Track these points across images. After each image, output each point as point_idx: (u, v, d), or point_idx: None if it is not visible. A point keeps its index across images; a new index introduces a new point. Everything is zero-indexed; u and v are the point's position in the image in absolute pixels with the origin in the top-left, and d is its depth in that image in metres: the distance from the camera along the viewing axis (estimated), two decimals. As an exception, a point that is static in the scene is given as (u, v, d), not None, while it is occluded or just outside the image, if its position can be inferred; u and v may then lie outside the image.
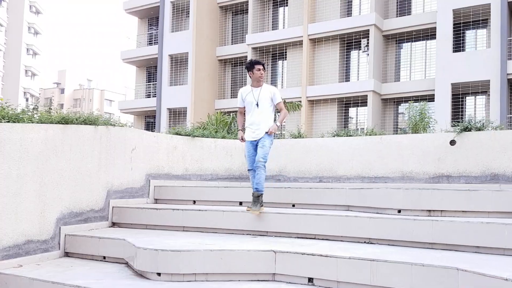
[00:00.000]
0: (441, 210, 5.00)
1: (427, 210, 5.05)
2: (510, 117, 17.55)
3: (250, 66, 5.68)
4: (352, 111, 22.40)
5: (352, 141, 7.28)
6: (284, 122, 6.07)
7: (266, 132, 5.57)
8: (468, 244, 4.32)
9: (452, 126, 7.09)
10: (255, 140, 5.63)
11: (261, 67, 5.66)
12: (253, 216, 5.43)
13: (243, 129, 5.92)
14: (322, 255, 4.08)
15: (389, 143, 6.97)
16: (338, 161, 7.29)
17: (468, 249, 4.32)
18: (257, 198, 5.40)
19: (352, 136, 7.54)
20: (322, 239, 5.05)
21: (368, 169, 7.05)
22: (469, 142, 6.40)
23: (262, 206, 5.43)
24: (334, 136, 7.74)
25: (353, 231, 4.90)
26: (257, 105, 5.61)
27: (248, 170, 5.79)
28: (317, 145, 7.52)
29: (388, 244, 4.69)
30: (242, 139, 5.79)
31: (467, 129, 6.47)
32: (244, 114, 6.01)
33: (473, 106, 19.33)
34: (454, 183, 6.43)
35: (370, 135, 7.52)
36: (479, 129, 6.47)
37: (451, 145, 6.50)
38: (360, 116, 22.03)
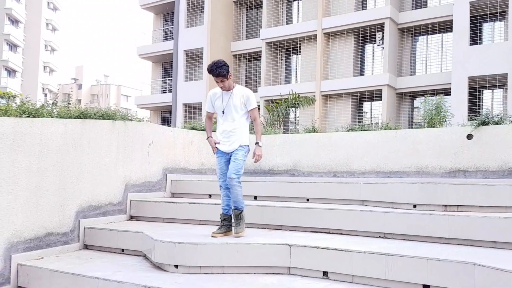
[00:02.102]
0: (458, 205, 4.97)
1: (443, 205, 5.03)
2: (529, 111, 17.23)
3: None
4: (366, 105, 22.25)
5: (366, 135, 7.25)
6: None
7: (241, 145, 4.80)
8: (485, 239, 4.30)
9: (469, 120, 7.00)
10: (228, 153, 4.84)
11: (216, 79, 4.73)
12: (268, 210, 5.46)
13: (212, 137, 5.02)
14: (337, 249, 4.11)
15: (404, 138, 6.93)
16: (352, 155, 7.28)
17: (485, 245, 4.30)
18: (239, 217, 4.75)
19: (367, 130, 7.52)
20: (337, 234, 5.07)
21: (383, 163, 7.03)
22: (486, 136, 6.33)
23: (244, 223, 4.79)
24: (348, 131, 7.72)
25: (368, 226, 4.91)
26: (223, 112, 4.81)
27: (220, 187, 4.93)
28: (331, 139, 7.52)
29: (403, 239, 4.70)
30: (214, 148, 4.90)
31: (484, 123, 6.39)
32: (214, 120, 5.27)
33: (490, 100, 19.04)
34: (471, 178, 6.37)
35: (385, 129, 7.48)
36: (496, 123, 6.39)
37: (468, 139, 6.44)
38: (375, 110, 21.87)
